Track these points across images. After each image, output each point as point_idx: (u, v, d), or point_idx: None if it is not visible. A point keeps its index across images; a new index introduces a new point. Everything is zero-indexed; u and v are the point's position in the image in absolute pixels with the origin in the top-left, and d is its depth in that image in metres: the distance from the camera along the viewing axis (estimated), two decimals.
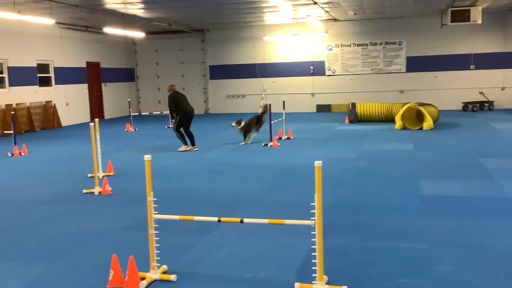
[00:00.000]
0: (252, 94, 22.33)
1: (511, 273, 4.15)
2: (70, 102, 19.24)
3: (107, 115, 21.54)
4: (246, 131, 12.52)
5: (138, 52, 23.70)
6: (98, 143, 8.23)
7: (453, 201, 6.47)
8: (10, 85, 16.37)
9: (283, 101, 13.54)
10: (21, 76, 16.73)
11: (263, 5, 15.74)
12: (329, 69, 21.39)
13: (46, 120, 17.66)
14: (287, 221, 3.93)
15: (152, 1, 14.39)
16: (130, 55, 23.54)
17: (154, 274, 4.17)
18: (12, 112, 12.09)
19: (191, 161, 10.17)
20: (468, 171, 8.30)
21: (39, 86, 17.70)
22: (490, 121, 15.38)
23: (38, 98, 17.41)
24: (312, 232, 3.82)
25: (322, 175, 3.69)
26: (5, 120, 15.45)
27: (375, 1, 15.88)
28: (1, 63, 16.17)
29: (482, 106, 19.26)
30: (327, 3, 15.72)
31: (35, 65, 17.50)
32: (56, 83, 18.60)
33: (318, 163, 3.69)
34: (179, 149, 11.61)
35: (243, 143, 12.35)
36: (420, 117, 14.31)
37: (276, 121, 12.73)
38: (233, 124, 12.50)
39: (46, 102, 17.71)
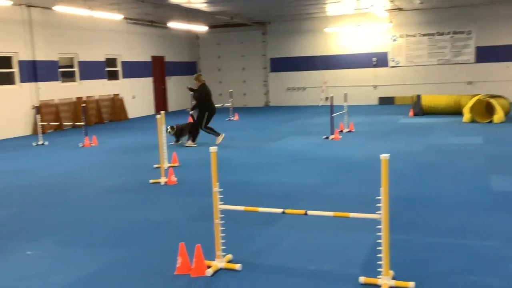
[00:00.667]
0: (312, 87, 22.18)
1: None
2: (136, 95, 19.91)
3: (170, 108, 22.12)
4: (178, 135, 11.82)
5: (201, 46, 24.13)
6: (164, 135, 8.48)
7: None
8: (81, 79, 17.17)
9: (345, 94, 13.34)
10: (90, 70, 17.50)
11: None
12: (393, 60, 20.84)
13: (113, 112, 18.38)
14: (352, 214, 3.89)
15: None
16: (193, 49, 24.02)
17: (220, 262, 4.26)
18: (83, 105, 12.67)
19: (251, 153, 10.26)
20: None
21: (108, 79, 18.44)
22: None
23: (106, 91, 18.15)
24: (378, 226, 3.76)
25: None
26: (76, 112, 16.23)
27: None
28: (72, 57, 16.98)
29: None
30: None
31: (104, 60, 18.24)
32: (123, 77, 19.30)
33: (384, 156, 3.62)
34: (217, 142, 11.34)
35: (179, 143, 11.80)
36: (490, 110, 13.66)
37: (337, 113, 12.57)
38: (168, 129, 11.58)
39: (114, 95, 18.43)
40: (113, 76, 18.88)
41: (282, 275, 4.12)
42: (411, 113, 16.14)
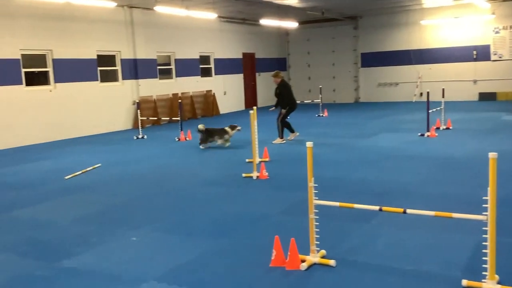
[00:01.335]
0: (405, 82, 21.42)
1: None
2: (227, 91, 20.43)
3: (260, 104, 22.43)
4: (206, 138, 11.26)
5: (290, 42, 24.19)
6: (256, 130, 8.63)
7: None
8: (177, 76, 17.94)
9: (443, 89, 12.73)
10: (185, 67, 18.23)
11: None
12: (495, 54, 19.55)
13: (206, 108, 19.01)
14: (455, 215, 3.73)
15: None
16: (282, 45, 24.16)
17: (314, 257, 4.28)
18: (180, 101, 13.22)
19: (342, 150, 10.14)
20: None
21: (201, 76, 19.10)
22: None
23: (199, 88, 18.81)
24: (484, 228, 3.57)
25: (487, 169, 3.43)
26: (172, 108, 16.99)
27: None
28: (169, 55, 17.78)
29: None
30: None
31: (198, 57, 18.91)
32: (215, 74, 19.89)
33: (493, 154, 3.43)
34: (274, 142, 11.41)
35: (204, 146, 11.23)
36: None
37: (434, 110, 12.05)
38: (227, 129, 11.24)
39: (206, 91, 19.05)
40: (206, 73, 19.51)
41: (378, 273, 4.04)
42: None
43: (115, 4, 13.48)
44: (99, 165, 9.50)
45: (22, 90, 12.82)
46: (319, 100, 17.71)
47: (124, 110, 15.77)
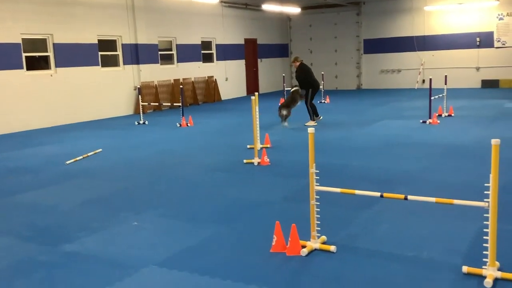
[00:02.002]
0: (408, 69, 21.32)
1: None
2: (229, 77, 20.35)
3: (261, 90, 22.36)
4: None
5: (293, 28, 24.04)
6: (257, 116, 8.60)
7: None
8: (178, 61, 17.86)
9: (445, 76, 12.67)
10: (187, 53, 18.14)
11: None
12: (498, 41, 19.42)
13: (208, 94, 18.95)
14: (456, 201, 3.72)
15: None
16: (284, 31, 24.00)
17: (314, 243, 4.29)
18: (181, 86, 13.17)
19: (344, 137, 10.12)
20: None
21: (202, 62, 19.01)
22: None
23: (201, 74, 18.74)
24: (485, 215, 3.57)
25: (489, 156, 3.42)
26: (174, 93, 16.95)
27: None
28: (171, 41, 17.68)
29: None
30: None
31: (200, 43, 18.80)
32: (217, 59, 19.79)
33: (495, 141, 3.41)
34: (306, 124, 11.75)
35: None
36: None
37: (436, 97, 11.99)
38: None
39: (208, 77, 18.98)
40: (207, 58, 19.42)
41: (379, 259, 4.05)
42: None
43: None
44: (100, 150, 9.50)
45: (23, 75, 12.78)
46: (321, 87, 17.62)
47: (125, 95, 15.73)
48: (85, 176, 7.55)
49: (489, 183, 3.50)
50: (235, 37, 20.68)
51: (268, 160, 7.86)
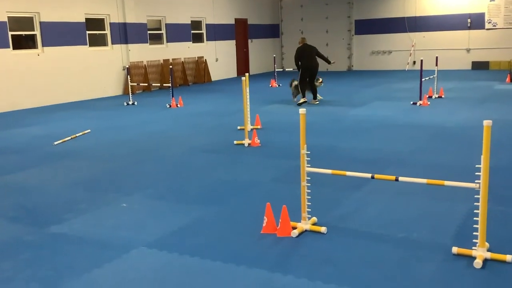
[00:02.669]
0: (399, 50, 21.26)
1: None
2: (219, 58, 20.16)
3: (252, 71, 22.21)
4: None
5: (284, 8, 23.79)
6: (248, 97, 8.53)
7: None
8: (167, 41, 17.62)
9: (436, 57, 12.63)
10: (177, 32, 17.89)
11: None
12: (489, 22, 19.39)
13: (198, 74, 18.78)
14: (447, 183, 3.71)
15: None
16: (275, 11, 23.76)
17: (305, 224, 4.27)
18: (171, 67, 13.03)
19: (335, 118, 10.09)
20: None
21: (192, 42, 18.78)
22: None
23: (191, 54, 18.53)
24: (476, 196, 3.56)
25: (479, 137, 3.40)
26: (163, 74, 16.77)
27: None
28: (160, 20, 17.42)
29: None
30: None
31: (189, 22, 18.55)
32: (207, 40, 19.57)
33: (487, 122, 3.39)
34: (296, 101, 12.16)
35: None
36: None
37: (426, 78, 11.97)
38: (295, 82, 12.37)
39: (198, 57, 18.78)
40: (197, 39, 19.19)
41: (369, 240, 4.05)
42: (508, 79, 15.03)
43: None
44: (88, 131, 9.39)
45: (9, 54, 12.53)
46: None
47: (114, 75, 15.52)
48: (73, 157, 7.46)
49: (479, 164, 3.48)
50: (226, 17, 20.43)
51: (258, 141, 7.82)
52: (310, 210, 4.32)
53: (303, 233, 4.23)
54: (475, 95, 12.47)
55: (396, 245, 3.95)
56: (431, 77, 12.50)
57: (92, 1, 14.59)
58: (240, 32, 21.49)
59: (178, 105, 12.47)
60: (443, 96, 12.28)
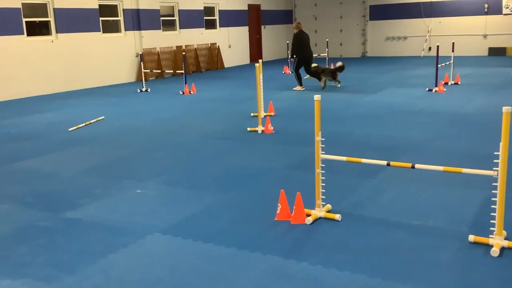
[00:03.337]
0: (414, 36, 20.96)
1: None
2: (232, 44, 20.06)
3: (265, 57, 22.08)
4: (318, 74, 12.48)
5: None
6: (261, 84, 8.47)
7: None
8: (180, 27, 17.57)
9: (453, 43, 12.43)
10: (189, 19, 17.82)
11: None
12: (507, 7, 19.00)
13: (210, 61, 18.72)
14: (464, 170, 3.65)
15: None
16: None
17: (319, 212, 4.25)
18: (184, 53, 12.99)
19: (349, 105, 10.00)
20: None
21: (205, 29, 18.70)
22: None
23: (204, 40, 18.46)
24: (494, 184, 3.50)
25: (497, 124, 3.32)
26: (176, 61, 16.74)
27: None
28: (173, 6, 17.35)
29: None
30: None
31: (202, 8, 18.45)
32: (220, 26, 19.47)
33: (507, 108, 3.31)
34: (294, 88, 12.23)
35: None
36: None
37: (443, 64, 11.80)
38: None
39: (211, 44, 18.71)
40: (210, 25, 19.10)
41: (384, 228, 4.02)
42: None
43: None
44: (102, 117, 9.43)
45: (23, 40, 12.59)
46: (326, 54, 17.36)
47: (127, 62, 15.54)
48: (88, 143, 7.50)
49: (498, 151, 3.42)
50: (238, 3, 20.28)
51: (272, 128, 7.78)
52: (324, 197, 4.29)
53: (317, 220, 4.20)
54: (492, 82, 12.27)
55: (411, 232, 3.92)
56: (447, 63, 12.32)
57: None
58: (253, 18, 21.34)
59: (191, 92, 12.45)
60: (459, 83, 12.11)
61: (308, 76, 12.70)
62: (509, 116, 3.32)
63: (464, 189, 4.77)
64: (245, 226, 4.17)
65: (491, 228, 3.61)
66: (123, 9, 15.25)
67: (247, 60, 21.01)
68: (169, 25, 17.31)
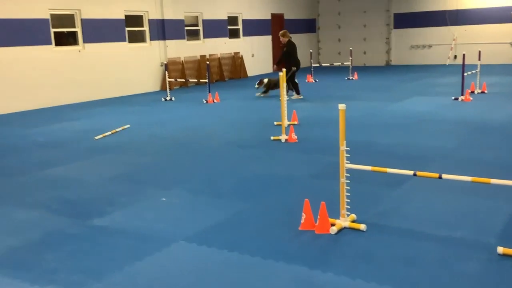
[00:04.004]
0: (439, 44, 20.74)
1: None
2: (255, 53, 20.15)
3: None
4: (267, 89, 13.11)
5: (321, 2, 23.58)
6: (285, 92, 8.48)
7: None
8: (204, 37, 17.74)
9: (479, 51, 12.25)
10: (213, 28, 17.99)
11: None
12: None
13: (234, 70, 18.84)
14: (493, 181, 3.59)
15: None
16: (312, 6, 23.57)
17: (344, 221, 4.22)
18: (207, 63, 13.11)
19: (373, 114, 9.93)
20: None
21: (229, 38, 18.84)
22: None
23: (227, 50, 18.59)
24: None
25: None
26: (200, 70, 16.90)
27: None
28: (197, 16, 17.55)
29: None
30: None
31: (226, 18, 18.61)
32: (243, 35, 19.59)
33: None
34: (292, 97, 12.24)
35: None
36: None
37: (469, 73, 11.63)
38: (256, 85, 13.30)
39: (234, 53, 18.83)
40: (234, 34, 19.24)
41: (410, 238, 3.97)
42: None
43: None
44: (128, 126, 9.56)
45: (51, 50, 12.89)
46: (349, 63, 17.32)
47: (152, 71, 15.75)
48: (114, 151, 7.61)
49: None
50: (262, 12, 20.40)
51: (295, 137, 7.78)
52: (349, 207, 4.26)
53: (342, 230, 4.18)
54: None
55: (438, 243, 3.86)
56: (473, 71, 12.15)
57: None
58: (276, 27, 21.37)
59: (215, 101, 12.54)
60: (486, 91, 11.92)
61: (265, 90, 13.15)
62: None
63: (492, 200, 4.69)
64: (269, 235, 4.17)
65: None
66: (149, 20, 15.49)
67: (270, 69, 21.08)
68: (193, 35, 17.50)
